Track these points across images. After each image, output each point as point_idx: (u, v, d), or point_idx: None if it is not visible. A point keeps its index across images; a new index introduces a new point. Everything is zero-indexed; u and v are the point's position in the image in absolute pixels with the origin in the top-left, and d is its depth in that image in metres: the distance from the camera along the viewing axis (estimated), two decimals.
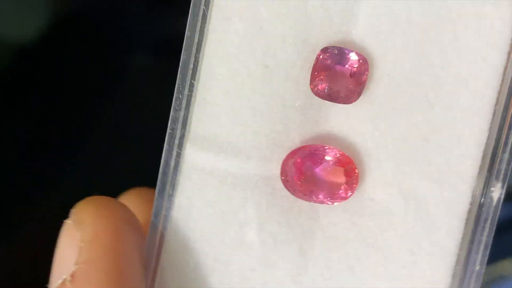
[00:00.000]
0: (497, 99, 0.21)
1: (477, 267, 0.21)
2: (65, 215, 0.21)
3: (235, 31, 0.21)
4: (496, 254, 0.28)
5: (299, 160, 0.21)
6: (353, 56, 0.21)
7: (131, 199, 0.23)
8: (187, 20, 0.21)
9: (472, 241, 0.21)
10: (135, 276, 0.21)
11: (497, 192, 0.22)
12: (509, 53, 0.21)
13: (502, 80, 0.21)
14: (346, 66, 0.21)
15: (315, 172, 0.21)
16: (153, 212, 0.22)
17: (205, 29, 0.21)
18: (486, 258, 0.21)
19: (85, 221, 0.21)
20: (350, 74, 0.21)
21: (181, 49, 0.21)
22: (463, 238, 0.22)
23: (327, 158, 0.21)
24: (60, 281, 0.20)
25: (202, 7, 0.21)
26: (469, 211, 0.21)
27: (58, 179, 0.46)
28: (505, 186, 0.22)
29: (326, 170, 0.21)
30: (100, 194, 0.22)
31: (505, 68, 0.21)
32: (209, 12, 0.21)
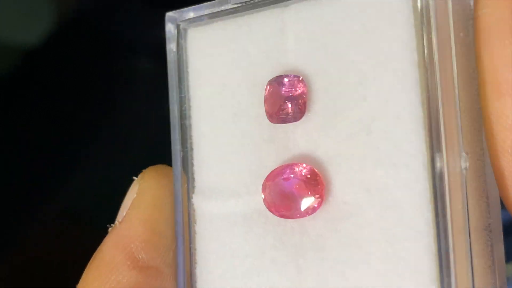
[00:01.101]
0: (419, 72, 0.21)
1: (451, 244, 0.20)
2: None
3: (209, 95, 0.26)
4: None
5: (271, 183, 0.24)
6: (293, 79, 0.23)
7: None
8: None
9: (437, 216, 0.20)
10: (166, 230, 0.26)
11: (464, 162, 0.21)
12: (417, 31, 0.21)
13: (421, 55, 0.21)
14: (288, 89, 0.23)
15: (286, 192, 0.23)
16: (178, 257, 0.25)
17: (187, 100, 0.26)
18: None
19: (144, 179, 0.26)
20: (293, 95, 0.23)
21: None
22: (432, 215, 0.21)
23: (292, 175, 0.23)
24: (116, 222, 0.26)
25: (178, 84, 0.26)
26: (433, 186, 0.21)
27: (60, 183, 0.45)
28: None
29: (295, 186, 0.23)
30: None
31: (418, 43, 0.21)
32: (185, 87, 0.26)
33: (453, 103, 0.21)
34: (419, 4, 0.21)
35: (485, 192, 0.23)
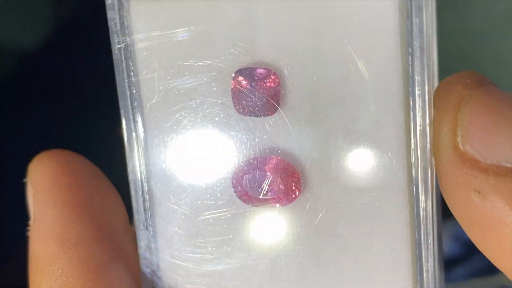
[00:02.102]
0: (403, 80, 0.22)
1: (430, 240, 0.22)
2: None
3: (163, 77, 0.24)
4: None
5: (243, 176, 0.23)
6: (263, 72, 0.23)
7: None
8: None
9: (415, 215, 0.22)
10: (77, 201, 0.25)
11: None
12: (401, 34, 0.21)
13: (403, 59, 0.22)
14: (260, 82, 0.23)
15: (262, 184, 0.23)
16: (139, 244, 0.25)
17: (138, 84, 0.24)
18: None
19: (32, 175, 0.25)
20: (265, 88, 0.23)
21: None
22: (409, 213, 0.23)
23: (266, 167, 0.23)
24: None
25: (125, 62, 0.24)
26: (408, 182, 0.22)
27: None
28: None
29: (270, 179, 0.23)
30: None
31: (401, 48, 0.21)
32: (135, 68, 0.24)
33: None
34: (405, 10, 0.21)
35: None
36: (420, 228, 0.23)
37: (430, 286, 0.23)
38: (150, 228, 0.25)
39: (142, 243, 0.25)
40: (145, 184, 0.25)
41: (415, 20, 0.21)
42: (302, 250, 0.24)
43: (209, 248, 0.25)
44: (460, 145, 0.20)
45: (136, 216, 0.25)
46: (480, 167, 0.20)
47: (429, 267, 0.23)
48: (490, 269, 0.22)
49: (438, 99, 0.21)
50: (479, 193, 0.20)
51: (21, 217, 0.25)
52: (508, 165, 0.20)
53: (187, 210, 0.25)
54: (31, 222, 0.25)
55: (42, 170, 0.25)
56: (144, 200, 0.25)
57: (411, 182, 0.22)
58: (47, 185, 0.24)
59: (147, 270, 0.25)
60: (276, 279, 0.24)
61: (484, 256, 0.22)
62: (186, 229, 0.25)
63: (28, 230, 0.25)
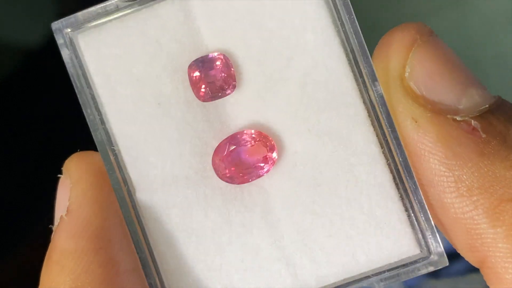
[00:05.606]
0: (335, 28, 0.25)
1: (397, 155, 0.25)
2: None
3: (121, 94, 0.26)
4: None
5: (224, 154, 0.25)
6: (214, 57, 0.25)
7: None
8: None
9: (384, 138, 0.25)
10: (110, 212, 0.25)
11: (378, 86, 0.25)
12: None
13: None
14: (214, 66, 0.25)
15: (242, 158, 0.25)
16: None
17: (99, 105, 0.26)
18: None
19: (71, 169, 0.26)
20: (220, 70, 0.25)
21: None
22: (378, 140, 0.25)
23: (245, 141, 0.25)
24: (58, 220, 0.25)
25: (87, 90, 0.26)
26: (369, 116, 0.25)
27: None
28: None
29: (249, 151, 0.25)
30: None
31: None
32: (94, 89, 0.26)
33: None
34: None
35: None
36: (390, 148, 0.25)
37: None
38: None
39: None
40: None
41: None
42: (293, 207, 0.25)
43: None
44: (406, 79, 0.24)
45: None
46: (420, 102, 0.24)
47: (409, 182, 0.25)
48: None
49: (391, 38, 0.25)
50: (416, 121, 0.24)
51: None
52: (443, 107, 0.24)
53: (172, 204, 0.26)
54: (64, 214, 0.25)
55: (83, 166, 0.25)
56: (136, 214, 0.26)
57: (370, 110, 0.25)
58: (88, 182, 0.25)
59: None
60: (283, 245, 0.25)
61: None
62: (174, 223, 0.26)
63: (52, 224, 0.25)
